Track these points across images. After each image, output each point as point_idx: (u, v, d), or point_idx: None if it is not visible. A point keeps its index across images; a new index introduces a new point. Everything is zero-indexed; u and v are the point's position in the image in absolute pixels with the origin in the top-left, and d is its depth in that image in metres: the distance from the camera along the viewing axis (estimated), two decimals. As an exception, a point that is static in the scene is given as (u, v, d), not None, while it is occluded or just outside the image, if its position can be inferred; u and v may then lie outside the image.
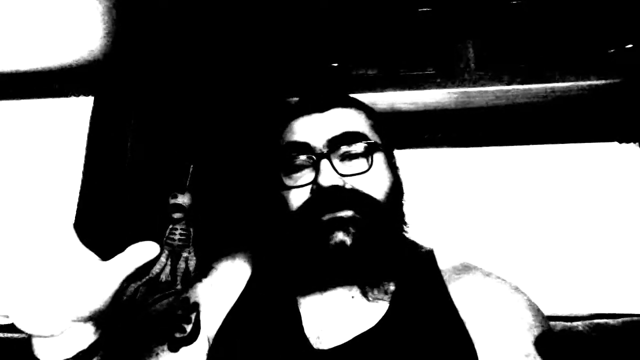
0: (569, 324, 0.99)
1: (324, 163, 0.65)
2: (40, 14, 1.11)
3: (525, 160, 1.37)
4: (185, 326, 0.65)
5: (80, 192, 1.26)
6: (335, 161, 0.67)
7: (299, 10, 1.15)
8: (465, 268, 0.70)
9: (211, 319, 0.69)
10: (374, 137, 0.71)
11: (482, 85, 1.18)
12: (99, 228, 1.21)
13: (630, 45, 1.13)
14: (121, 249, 0.50)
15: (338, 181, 0.65)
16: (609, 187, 1.33)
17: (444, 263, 0.72)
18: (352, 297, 0.67)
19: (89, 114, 1.30)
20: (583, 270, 1.30)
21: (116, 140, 1.25)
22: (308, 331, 0.64)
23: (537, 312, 0.64)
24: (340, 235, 0.62)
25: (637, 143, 1.23)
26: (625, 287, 1.25)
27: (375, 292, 0.66)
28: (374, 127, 0.73)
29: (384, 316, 0.64)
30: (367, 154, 0.68)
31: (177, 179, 1.22)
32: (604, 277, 1.29)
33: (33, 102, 1.43)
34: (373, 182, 0.67)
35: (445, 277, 0.69)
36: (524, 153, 1.35)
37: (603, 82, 1.14)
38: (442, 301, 0.65)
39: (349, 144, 0.68)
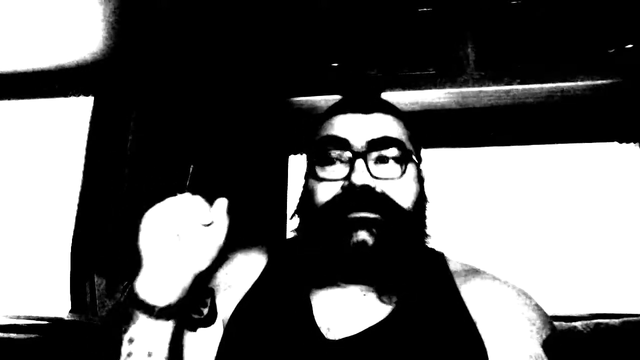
0: (569, 324, 0.99)
1: (359, 162, 0.67)
2: (40, 14, 1.11)
3: (525, 160, 1.37)
4: (202, 309, 0.67)
5: (81, 192, 1.26)
6: (370, 163, 0.68)
7: (299, 10, 1.15)
8: (475, 271, 0.72)
9: (225, 305, 0.70)
10: (409, 147, 0.72)
11: (482, 85, 1.18)
12: (100, 229, 1.21)
13: (630, 45, 1.13)
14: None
15: (370, 182, 0.66)
16: (609, 187, 1.33)
17: (454, 266, 0.74)
18: (364, 294, 0.68)
19: (89, 114, 1.30)
20: (583, 270, 1.30)
21: (116, 141, 1.25)
22: (319, 321, 0.66)
23: (544, 315, 0.67)
24: (363, 234, 0.64)
25: (637, 143, 1.23)
26: (625, 287, 1.25)
27: (389, 295, 0.67)
28: (411, 138, 0.75)
29: (394, 310, 0.66)
30: (402, 161, 0.70)
31: (177, 179, 1.22)
32: (604, 277, 1.29)
33: (33, 102, 1.43)
34: (402, 190, 0.69)
35: (456, 278, 0.71)
36: (524, 153, 1.35)
37: (603, 82, 1.14)
38: (453, 300, 0.67)
39: (387, 148, 0.70)
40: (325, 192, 0.69)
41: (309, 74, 1.25)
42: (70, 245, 1.23)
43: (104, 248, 1.20)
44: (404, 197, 0.68)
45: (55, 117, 1.50)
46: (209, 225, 0.59)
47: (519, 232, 1.35)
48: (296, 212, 0.77)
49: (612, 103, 1.21)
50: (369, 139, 0.69)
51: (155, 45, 1.24)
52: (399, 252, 0.66)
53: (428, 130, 1.30)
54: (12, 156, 1.56)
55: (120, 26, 1.16)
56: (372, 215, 0.64)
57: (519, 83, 1.16)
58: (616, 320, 0.99)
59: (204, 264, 0.59)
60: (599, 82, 1.14)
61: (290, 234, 0.78)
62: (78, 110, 1.37)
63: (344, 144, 0.69)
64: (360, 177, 0.66)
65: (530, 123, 1.27)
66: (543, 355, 0.61)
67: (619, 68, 1.13)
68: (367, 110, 0.73)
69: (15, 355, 1.06)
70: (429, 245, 0.76)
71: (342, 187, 0.68)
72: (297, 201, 0.77)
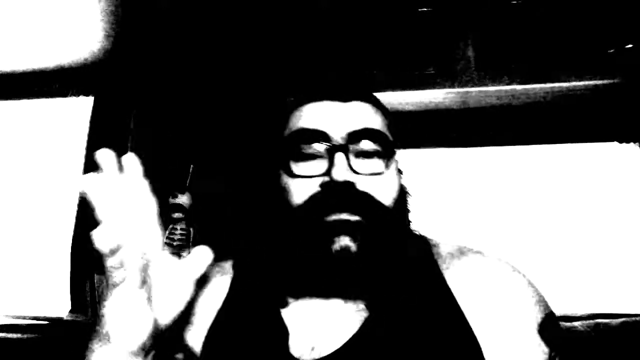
0: (569, 324, 0.99)
1: (340, 156, 0.60)
2: (40, 14, 1.11)
3: (525, 160, 1.37)
4: (177, 357, 0.64)
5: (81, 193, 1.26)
6: (351, 157, 0.62)
7: (300, 10, 1.15)
8: (461, 252, 0.66)
9: (194, 339, 0.64)
10: (391, 140, 0.66)
11: (482, 85, 1.18)
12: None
13: (630, 45, 1.13)
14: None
15: (352, 178, 0.60)
16: (609, 187, 1.33)
17: (439, 250, 0.68)
18: (356, 309, 0.61)
19: (89, 114, 1.30)
20: (583, 270, 1.30)
21: (116, 141, 1.25)
22: (297, 343, 0.59)
23: (537, 295, 0.62)
24: (345, 240, 0.57)
25: (637, 143, 1.23)
26: (625, 287, 1.25)
27: (380, 309, 0.60)
28: (390, 128, 0.69)
29: (374, 314, 0.60)
30: (385, 156, 0.64)
31: (177, 179, 1.22)
32: (604, 277, 1.29)
33: (33, 102, 1.43)
34: (386, 186, 0.63)
35: (441, 264, 0.65)
36: (524, 153, 1.35)
37: (603, 82, 1.14)
38: (440, 292, 0.61)
39: (369, 141, 0.63)
40: (301, 191, 0.61)
41: (308, 74, 1.24)
42: (70, 245, 1.23)
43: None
44: (388, 194, 0.62)
45: (55, 117, 1.50)
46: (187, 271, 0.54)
47: (519, 232, 1.35)
48: (264, 214, 0.70)
49: (612, 103, 1.21)
50: (350, 130, 0.62)
51: (155, 45, 1.24)
52: (384, 258, 0.60)
53: (428, 130, 1.30)
54: (12, 156, 1.56)
55: (120, 26, 1.16)
56: (354, 218, 0.58)
57: (519, 83, 1.16)
58: (616, 320, 0.99)
59: (169, 316, 0.54)
60: (599, 82, 1.14)
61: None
62: (78, 110, 1.37)
63: (322, 137, 0.62)
64: (340, 172, 0.59)
65: (530, 123, 1.27)
66: (540, 341, 0.57)
67: (619, 68, 1.13)
68: (345, 98, 0.66)
69: (15, 355, 1.06)
70: (413, 230, 0.70)
71: (321, 185, 0.60)
72: (264, 204, 0.71)
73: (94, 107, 1.30)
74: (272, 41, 1.23)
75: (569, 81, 1.15)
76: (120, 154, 0.54)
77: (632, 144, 1.23)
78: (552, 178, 1.37)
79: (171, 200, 1.18)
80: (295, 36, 1.22)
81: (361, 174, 0.61)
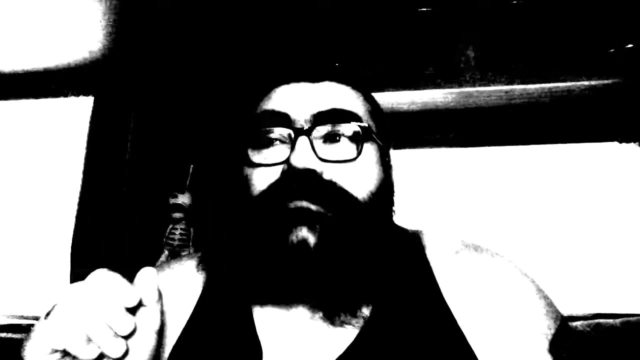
0: (569, 324, 0.99)
1: (302, 141, 0.52)
2: (40, 14, 1.11)
3: (525, 160, 1.37)
4: None
5: (81, 193, 1.26)
6: (318, 142, 0.54)
7: (300, 10, 1.15)
8: (460, 252, 0.59)
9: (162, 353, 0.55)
10: (368, 122, 0.58)
11: (482, 85, 1.18)
12: (100, 229, 1.21)
13: (630, 45, 1.13)
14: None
15: (315, 165, 0.52)
16: (609, 187, 1.33)
17: (433, 249, 0.59)
18: (312, 318, 0.53)
19: (89, 114, 1.31)
20: (583, 270, 1.30)
21: (116, 140, 1.25)
22: None
23: (547, 305, 0.55)
24: (303, 232, 0.49)
25: (637, 143, 1.23)
26: (625, 287, 1.25)
27: (343, 317, 0.52)
28: (371, 113, 0.61)
29: (360, 335, 0.51)
30: (357, 140, 0.55)
31: (177, 179, 1.22)
32: (604, 277, 1.29)
33: (33, 102, 1.43)
34: (357, 175, 0.54)
35: (435, 269, 0.56)
36: (524, 153, 1.35)
37: (603, 82, 1.14)
38: (430, 301, 0.53)
39: (338, 123, 0.55)
40: (260, 180, 0.54)
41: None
42: (70, 245, 1.23)
43: (104, 248, 1.20)
44: (359, 184, 0.54)
45: (55, 117, 1.50)
46: (135, 309, 0.43)
47: (519, 233, 1.35)
48: (225, 212, 0.64)
49: (612, 103, 1.21)
50: (315, 111, 0.55)
51: (155, 45, 1.24)
52: (349, 257, 0.51)
53: (428, 130, 1.30)
54: (12, 156, 1.56)
55: (120, 26, 1.15)
56: (315, 208, 0.50)
57: (519, 83, 1.16)
58: (616, 320, 0.99)
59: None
60: (599, 82, 1.14)
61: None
62: (78, 110, 1.37)
63: (282, 120, 0.55)
64: (300, 158, 0.51)
65: (530, 123, 1.27)
66: None
67: (619, 68, 1.13)
68: (315, 79, 0.59)
69: (15, 355, 1.06)
70: (404, 227, 0.63)
71: (282, 173, 0.53)
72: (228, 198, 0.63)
73: (94, 107, 1.30)
74: (272, 41, 1.23)
75: (569, 81, 1.15)
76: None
77: (632, 144, 1.23)
78: (552, 178, 1.37)
79: (171, 200, 1.18)
80: (295, 36, 1.22)
81: (328, 160, 0.53)
